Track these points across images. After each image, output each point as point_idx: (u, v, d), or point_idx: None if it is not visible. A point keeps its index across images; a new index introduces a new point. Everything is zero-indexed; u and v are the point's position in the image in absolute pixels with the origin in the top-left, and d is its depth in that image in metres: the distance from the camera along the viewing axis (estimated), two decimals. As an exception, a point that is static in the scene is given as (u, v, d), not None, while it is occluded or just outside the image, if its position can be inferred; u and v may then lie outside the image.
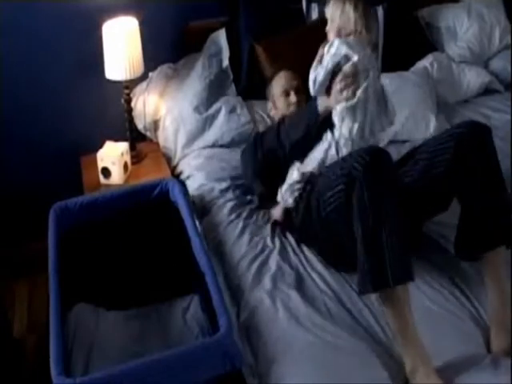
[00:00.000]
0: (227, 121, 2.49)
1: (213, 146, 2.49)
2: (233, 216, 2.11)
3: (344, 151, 1.84)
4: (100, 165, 2.37)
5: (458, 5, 2.96)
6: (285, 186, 1.96)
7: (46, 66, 2.49)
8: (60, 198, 1.97)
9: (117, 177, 2.37)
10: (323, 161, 1.89)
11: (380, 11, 2.71)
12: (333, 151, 1.87)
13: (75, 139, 2.61)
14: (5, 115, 2.48)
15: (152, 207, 2.02)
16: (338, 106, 1.84)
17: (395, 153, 2.41)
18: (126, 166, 2.41)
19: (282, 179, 1.99)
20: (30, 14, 2.38)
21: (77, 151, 2.56)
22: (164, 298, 1.92)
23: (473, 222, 1.78)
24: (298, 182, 1.92)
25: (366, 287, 1.62)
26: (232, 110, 2.51)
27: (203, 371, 1.49)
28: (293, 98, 2.17)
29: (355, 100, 1.81)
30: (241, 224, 2.07)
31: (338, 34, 1.89)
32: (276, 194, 2.01)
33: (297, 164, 1.95)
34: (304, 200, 1.90)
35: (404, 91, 2.56)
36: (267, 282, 1.83)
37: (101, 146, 2.40)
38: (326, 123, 1.90)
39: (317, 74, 1.87)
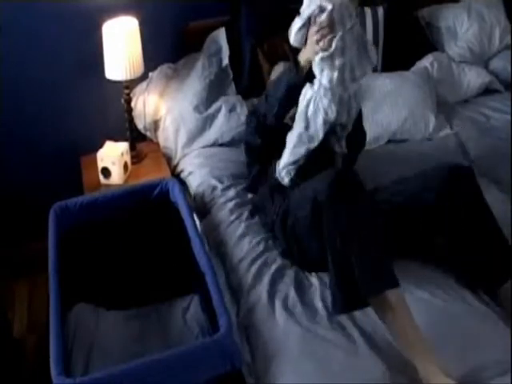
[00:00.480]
0: (227, 120, 2.49)
1: (213, 145, 2.50)
2: (234, 216, 2.10)
3: (325, 102, 1.82)
4: (100, 165, 2.37)
5: (458, 5, 2.96)
6: (281, 164, 1.94)
7: (46, 66, 2.49)
8: (60, 198, 1.97)
9: (117, 177, 2.37)
10: (305, 114, 1.86)
11: (380, 11, 2.72)
12: (312, 104, 1.84)
13: (75, 139, 2.61)
14: (5, 115, 2.48)
15: (152, 207, 2.02)
16: (316, 58, 1.81)
17: (395, 152, 2.44)
18: (126, 165, 2.41)
19: (278, 151, 1.97)
20: (30, 14, 2.38)
21: (77, 151, 2.55)
22: (164, 298, 1.92)
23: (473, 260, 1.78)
24: (294, 162, 1.91)
25: (337, 308, 1.65)
26: (232, 109, 2.51)
27: (203, 371, 1.49)
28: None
29: (332, 49, 1.77)
30: (243, 224, 2.06)
31: None
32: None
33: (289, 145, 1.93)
34: (283, 206, 1.90)
35: (404, 91, 2.56)
36: (266, 282, 1.83)
37: (101, 146, 2.40)
38: (311, 77, 1.88)
39: (294, 23, 1.86)
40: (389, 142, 2.50)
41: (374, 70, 2.73)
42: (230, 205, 2.15)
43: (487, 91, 2.82)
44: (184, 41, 2.67)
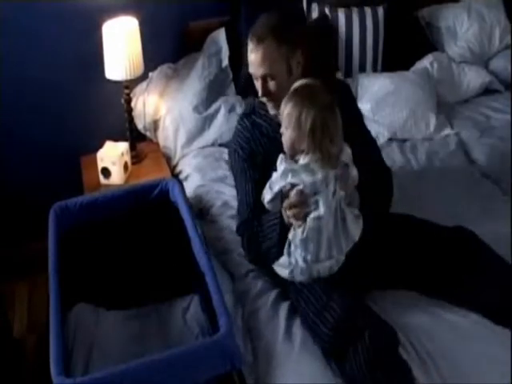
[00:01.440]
0: (227, 120, 2.49)
1: (212, 145, 2.50)
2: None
3: (301, 278, 1.70)
4: (100, 165, 2.37)
5: (458, 5, 2.96)
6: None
7: (46, 66, 2.49)
8: (60, 198, 1.97)
9: (117, 177, 2.37)
10: (283, 283, 1.77)
11: (380, 11, 2.72)
12: (288, 272, 1.71)
13: (75, 139, 2.62)
14: (5, 115, 2.48)
15: (152, 207, 2.02)
16: (289, 235, 1.68)
17: (395, 151, 2.44)
18: (126, 165, 2.41)
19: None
20: (30, 14, 2.38)
21: (77, 151, 2.56)
22: (164, 298, 1.92)
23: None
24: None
25: None
26: (231, 109, 2.51)
27: (203, 371, 1.48)
28: (257, 86, 1.89)
29: (304, 235, 1.63)
30: None
31: (292, 146, 1.64)
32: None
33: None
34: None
35: (404, 91, 2.56)
36: (274, 291, 1.82)
37: (101, 146, 2.40)
38: None
39: (265, 193, 1.69)
40: (389, 141, 2.51)
41: (374, 70, 2.74)
42: (233, 210, 2.09)
43: (487, 91, 2.82)
44: (184, 41, 2.68)
